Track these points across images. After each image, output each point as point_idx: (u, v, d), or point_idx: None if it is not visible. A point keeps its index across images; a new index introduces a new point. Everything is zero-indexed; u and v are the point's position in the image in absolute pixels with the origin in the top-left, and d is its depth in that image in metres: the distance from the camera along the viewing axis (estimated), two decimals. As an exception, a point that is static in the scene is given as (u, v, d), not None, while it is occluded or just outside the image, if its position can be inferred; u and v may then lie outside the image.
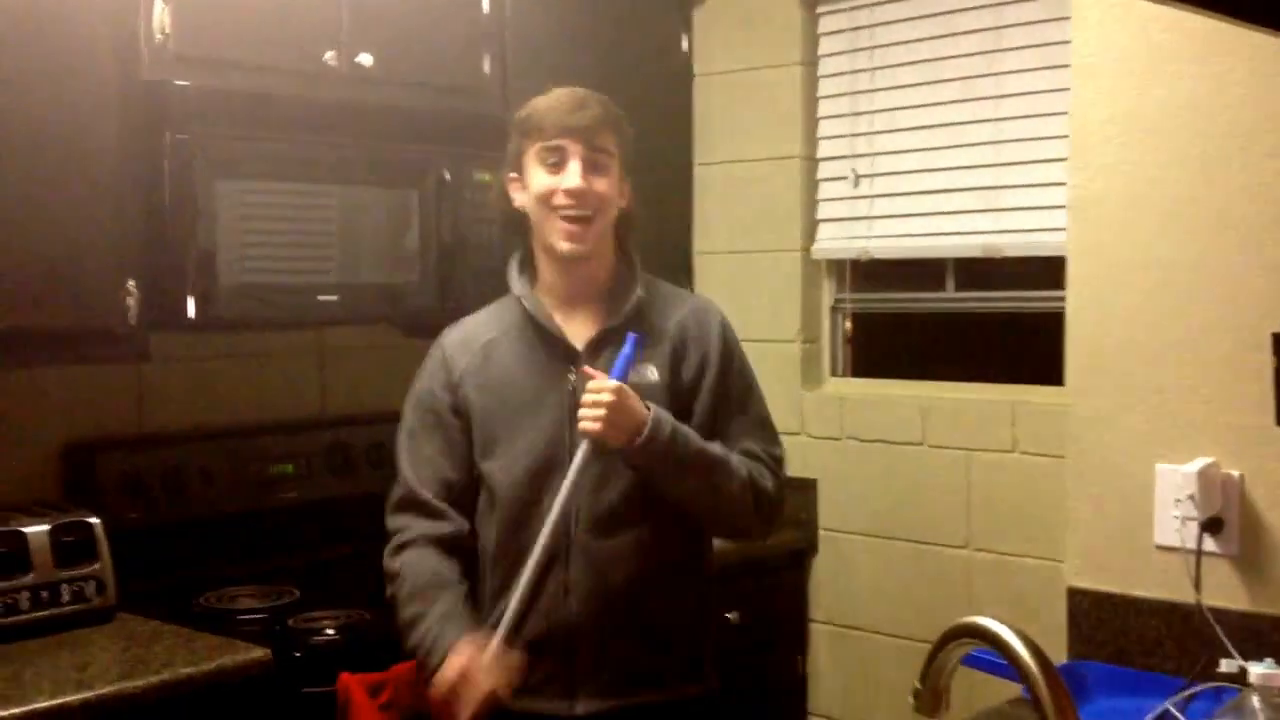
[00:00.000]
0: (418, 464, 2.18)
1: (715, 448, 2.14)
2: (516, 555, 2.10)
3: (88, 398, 2.82)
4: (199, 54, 2.58)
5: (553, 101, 2.15)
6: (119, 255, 2.48)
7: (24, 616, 2.40)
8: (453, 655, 2.02)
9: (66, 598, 2.46)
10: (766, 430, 2.28)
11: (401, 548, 2.15)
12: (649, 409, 2.06)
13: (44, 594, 2.43)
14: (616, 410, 2.02)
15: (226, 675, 2.26)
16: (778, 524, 2.33)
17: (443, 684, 2.01)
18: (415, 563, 2.13)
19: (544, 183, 2.13)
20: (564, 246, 2.13)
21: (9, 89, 2.33)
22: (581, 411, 2.04)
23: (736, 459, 2.16)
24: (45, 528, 2.48)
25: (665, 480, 2.11)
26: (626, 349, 2.08)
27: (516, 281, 2.21)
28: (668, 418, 2.08)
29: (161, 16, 2.54)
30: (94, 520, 2.55)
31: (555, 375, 2.15)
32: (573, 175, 2.11)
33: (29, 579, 2.42)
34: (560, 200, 2.11)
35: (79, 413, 2.80)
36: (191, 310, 2.51)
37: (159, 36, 2.53)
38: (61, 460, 2.77)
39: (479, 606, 2.15)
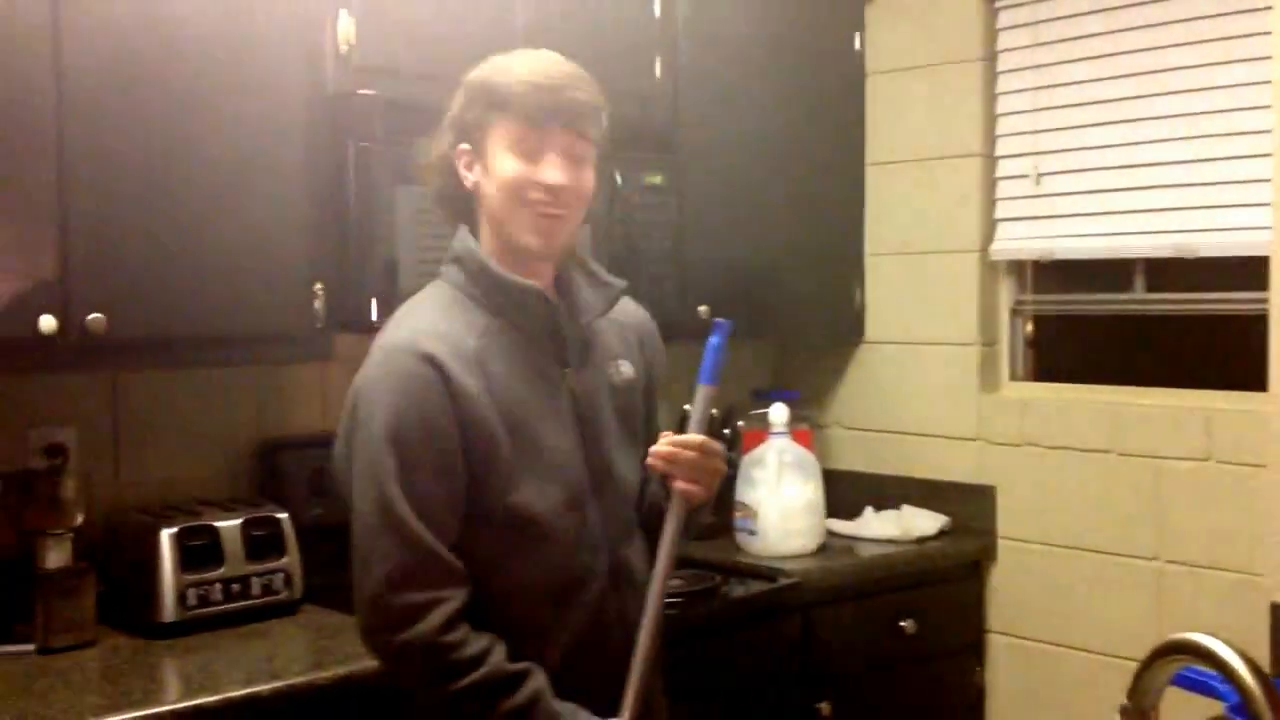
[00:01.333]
0: (426, 518, 1.77)
1: None
2: (561, 590, 1.87)
3: (277, 397, 2.92)
4: (381, 65, 2.64)
5: (533, 74, 1.82)
6: (307, 260, 2.55)
7: (216, 608, 2.48)
8: None
9: (256, 590, 2.54)
10: None
11: (450, 624, 1.76)
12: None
13: (235, 586, 2.51)
14: (712, 467, 1.92)
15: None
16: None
17: None
18: (483, 642, 1.79)
19: (515, 171, 1.82)
20: (534, 243, 1.85)
21: (205, 105, 2.42)
22: (677, 473, 1.90)
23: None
24: (237, 522, 2.56)
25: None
26: (717, 339, 1.91)
27: (496, 269, 1.87)
28: None
29: (346, 29, 2.60)
30: (282, 515, 2.63)
31: (553, 379, 1.91)
32: (553, 169, 1.82)
33: (221, 571, 2.50)
34: (535, 195, 1.82)
35: (269, 412, 2.91)
36: (374, 312, 2.56)
37: (344, 49, 2.60)
38: (253, 457, 2.87)
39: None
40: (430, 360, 1.79)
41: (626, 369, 2.00)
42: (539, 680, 1.81)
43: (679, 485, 1.90)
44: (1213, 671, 1.20)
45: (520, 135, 1.83)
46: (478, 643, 1.77)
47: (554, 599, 1.87)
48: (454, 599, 1.77)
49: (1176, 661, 1.24)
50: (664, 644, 1.99)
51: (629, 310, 2.08)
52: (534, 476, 1.84)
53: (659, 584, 1.88)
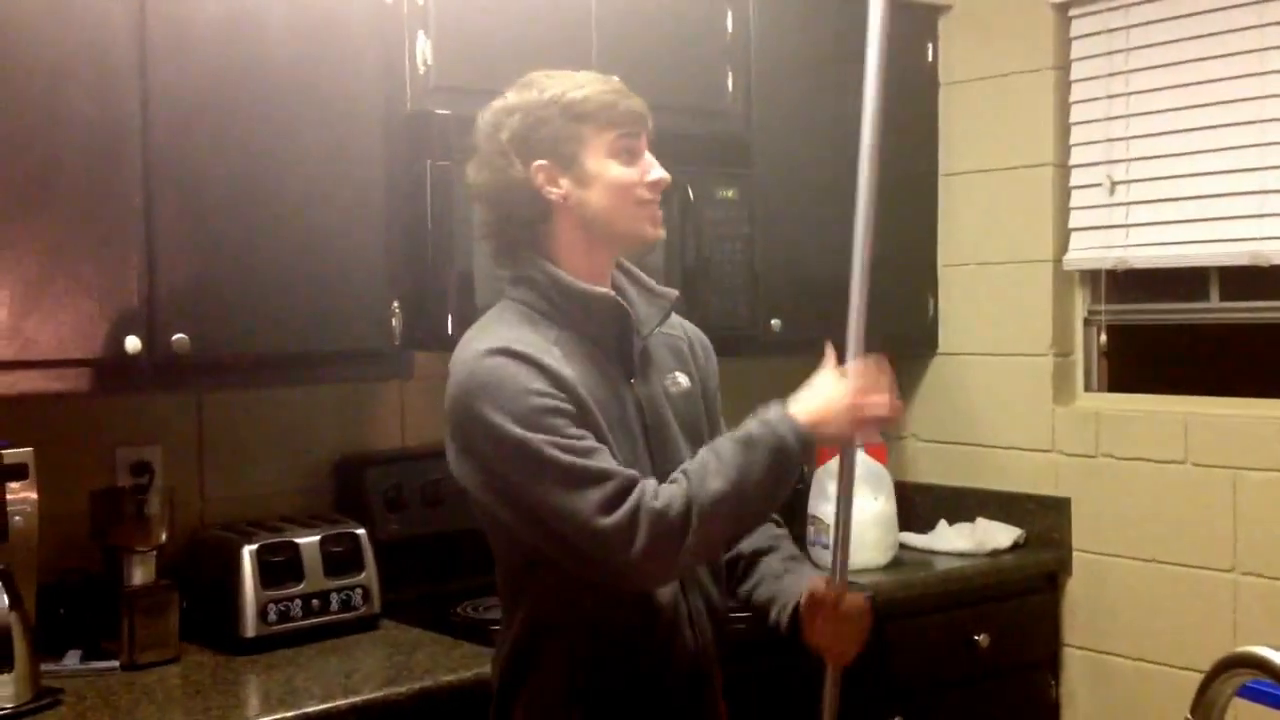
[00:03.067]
0: (591, 454, 1.80)
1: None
2: (636, 594, 1.90)
3: (356, 414, 2.97)
4: (458, 84, 2.68)
5: (607, 86, 1.95)
6: (385, 278, 2.60)
7: (296, 624, 2.53)
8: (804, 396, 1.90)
9: (335, 605, 2.59)
10: None
11: (655, 499, 1.79)
12: None
13: (314, 602, 2.56)
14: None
15: (484, 684, 2.30)
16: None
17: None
18: (674, 482, 1.82)
19: (623, 174, 1.93)
20: (655, 233, 1.98)
21: (285, 126, 2.48)
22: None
23: None
24: (316, 538, 2.61)
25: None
26: None
27: (570, 280, 1.93)
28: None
29: (424, 49, 2.66)
30: (360, 531, 2.68)
31: (621, 389, 1.94)
32: (656, 166, 1.96)
33: (301, 587, 2.55)
34: (645, 193, 1.94)
35: (349, 429, 2.96)
36: (451, 329, 2.60)
37: (422, 69, 2.65)
38: (333, 474, 2.93)
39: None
40: (511, 353, 1.83)
41: (682, 379, 2.05)
42: (714, 447, 1.86)
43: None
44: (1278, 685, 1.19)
45: (620, 142, 1.94)
46: (672, 492, 1.80)
47: (630, 602, 1.90)
48: (646, 489, 1.79)
49: (1241, 675, 1.24)
50: (720, 658, 2.03)
51: (681, 324, 2.14)
52: (620, 458, 1.87)
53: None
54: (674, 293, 2.06)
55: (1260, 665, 1.20)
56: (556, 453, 1.78)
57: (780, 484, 1.86)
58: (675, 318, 2.12)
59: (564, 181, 1.92)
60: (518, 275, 1.96)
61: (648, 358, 2.01)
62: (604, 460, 1.80)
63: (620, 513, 1.76)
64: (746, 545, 2.13)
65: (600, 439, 1.84)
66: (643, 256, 2.07)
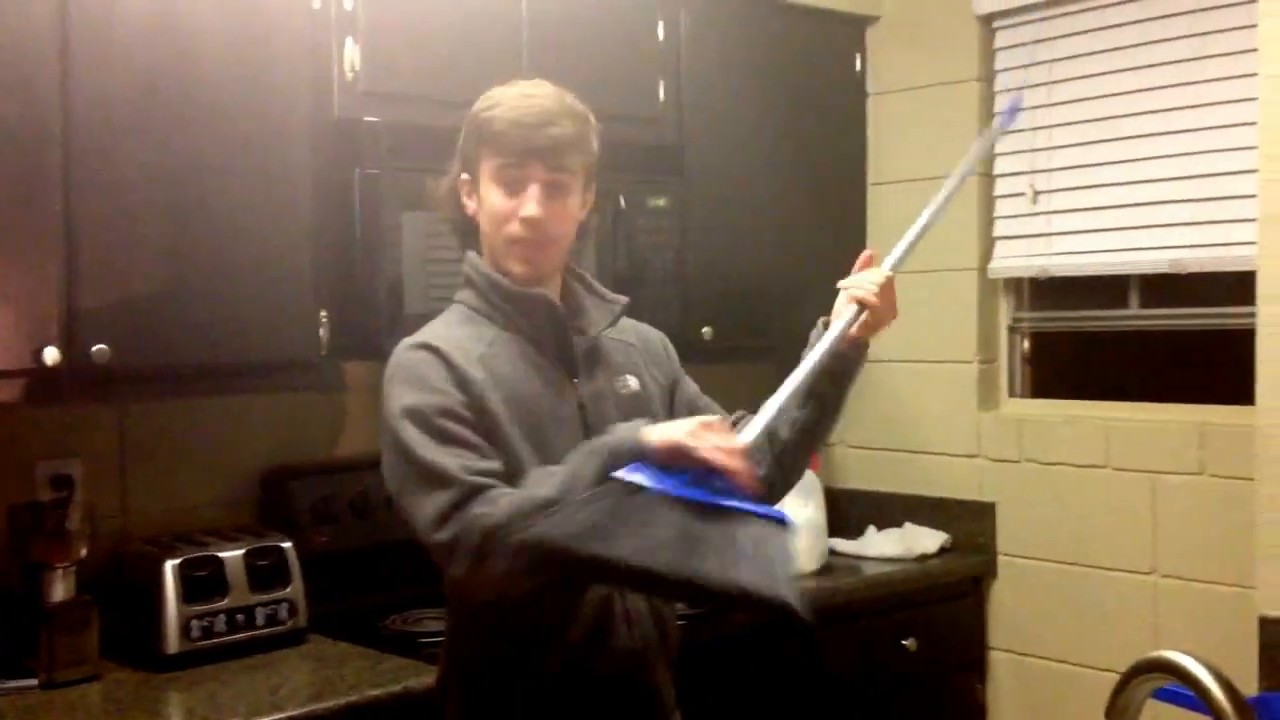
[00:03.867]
0: (462, 457, 1.80)
1: None
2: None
3: (283, 425, 2.93)
4: (387, 91, 2.67)
5: (517, 113, 1.92)
6: (313, 287, 2.57)
7: (220, 639, 2.49)
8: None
9: (260, 620, 2.55)
10: None
11: (477, 515, 1.76)
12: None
13: (239, 616, 2.52)
14: (890, 292, 1.98)
15: (413, 698, 2.31)
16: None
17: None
18: (497, 492, 1.78)
19: (499, 204, 1.93)
20: (517, 270, 1.95)
21: (211, 133, 2.44)
22: (856, 284, 1.98)
23: None
24: (240, 552, 2.57)
25: (848, 391, 2.05)
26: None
27: (504, 281, 1.96)
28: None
29: (352, 55, 2.64)
30: (287, 544, 2.65)
31: (562, 387, 1.96)
32: (531, 203, 1.91)
33: (225, 602, 2.51)
34: (514, 228, 1.92)
35: (275, 440, 2.92)
36: (380, 337, 2.58)
37: (349, 75, 2.63)
38: (260, 486, 2.89)
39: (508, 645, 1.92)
40: (433, 349, 1.89)
41: (632, 383, 2.05)
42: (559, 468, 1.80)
43: (854, 293, 1.97)
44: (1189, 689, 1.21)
45: (502, 170, 1.93)
46: (492, 501, 1.76)
47: (549, 604, 1.90)
48: (495, 488, 1.78)
49: (1154, 680, 1.26)
50: (672, 660, 2.05)
51: (635, 329, 2.15)
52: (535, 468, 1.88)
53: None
54: (623, 299, 2.10)
55: (1172, 670, 1.22)
56: (418, 449, 1.81)
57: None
58: (630, 322, 2.15)
59: (474, 199, 1.99)
60: (464, 276, 2.02)
61: (597, 359, 2.03)
62: (461, 465, 1.78)
63: (447, 530, 1.77)
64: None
65: (496, 440, 1.85)
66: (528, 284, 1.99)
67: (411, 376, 1.87)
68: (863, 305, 1.97)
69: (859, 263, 2.05)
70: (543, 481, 1.77)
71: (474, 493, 1.77)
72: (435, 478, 1.80)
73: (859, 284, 1.99)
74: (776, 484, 2.06)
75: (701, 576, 1.63)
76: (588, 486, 1.72)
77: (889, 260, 2.03)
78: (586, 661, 1.93)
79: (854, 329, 1.99)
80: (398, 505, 1.87)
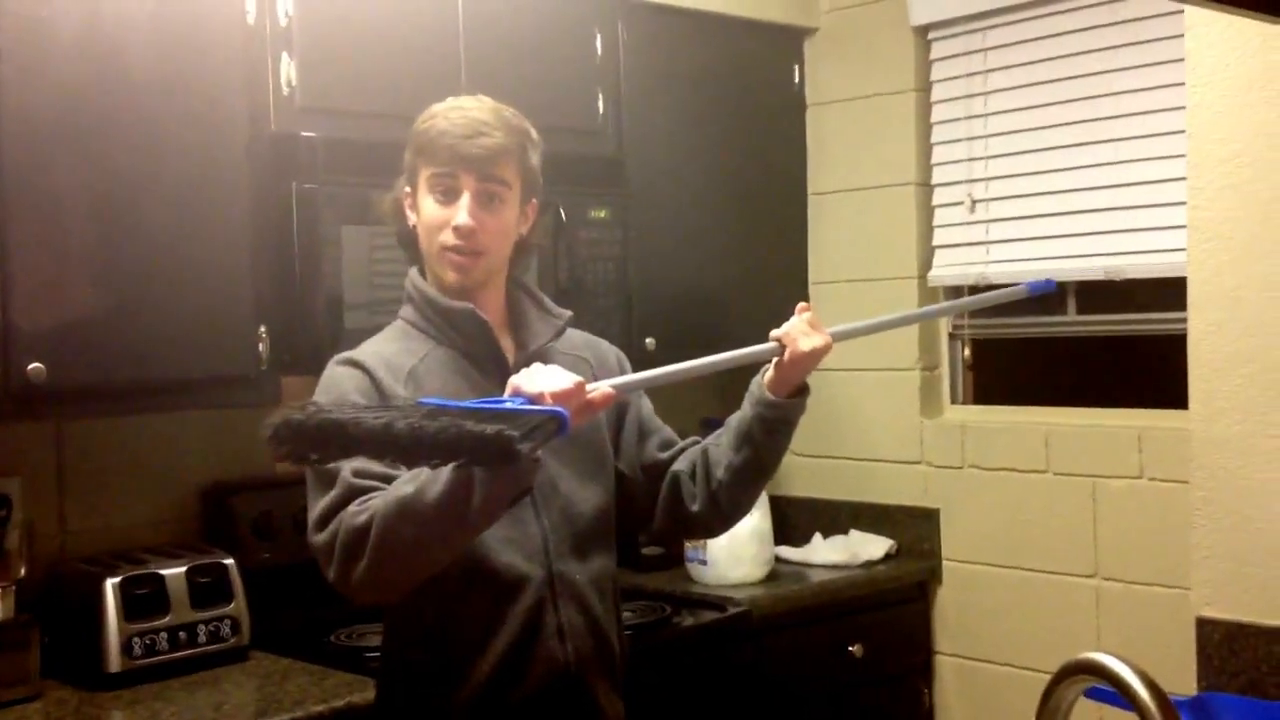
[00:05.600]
0: (356, 461, 1.76)
1: None
2: (497, 593, 1.91)
3: (223, 442, 2.91)
4: (324, 105, 2.67)
5: (449, 123, 1.95)
6: (251, 302, 2.57)
7: (162, 657, 2.48)
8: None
9: (203, 637, 2.54)
10: None
11: (360, 512, 1.76)
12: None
13: (181, 634, 2.51)
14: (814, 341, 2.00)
15: (357, 713, 2.30)
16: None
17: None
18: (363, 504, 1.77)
19: (433, 213, 1.96)
20: (450, 278, 1.98)
21: (146, 148, 2.43)
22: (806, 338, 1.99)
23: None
24: (182, 569, 2.56)
25: (784, 439, 2.07)
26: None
27: (433, 294, 2.00)
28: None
29: (288, 70, 2.63)
30: (229, 561, 2.63)
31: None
32: (462, 211, 1.94)
33: (167, 620, 2.50)
34: (446, 236, 1.95)
35: (215, 456, 2.91)
36: (321, 353, 2.57)
37: (285, 90, 2.63)
38: (200, 502, 2.87)
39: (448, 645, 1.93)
40: (358, 364, 1.94)
41: None
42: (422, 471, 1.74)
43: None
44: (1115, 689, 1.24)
45: (435, 179, 1.97)
46: (362, 506, 1.77)
47: (491, 600, 1.92)
48: (373, 497, 1.77)
49: (1082, 681, 1.28)
50: (609, 671, 2.04)
51: (588, 343, 2.16)
52: None
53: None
54: (567, 313, 2.13)
55: (1098, 671, 1.25)
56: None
57: (463, 497, 1.69)
58: (584, 336, 2.17)
59: (415, 210, 2.02)
60: (405, 293, 2.05)
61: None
62: (353, 468, 1.77)
63: (325, 533, 1.80)
64: (681, 464, 2.12)
65: None
66: (460, 295, 2.00)
67: (329, 389, 1.93)
68: (781, 343, 2.00)
69: (797, 310, 2.05)
70: (410, 479, 1.74)
71: (354, 494, 1.78)
72: (326, 478, 1.82)
73: (788, 329, 2.02)
74: (714, 520, 2.11)
75: (428, 434, 1.56)
76: (447, 487, 1.68)
77: (838, 329, 2.07)
78: (515, 672, 1.93)
79: (771, 370, 2.02)
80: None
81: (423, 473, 1.71)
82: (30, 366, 2.27)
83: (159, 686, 2.43)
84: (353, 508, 1.77)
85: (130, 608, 2.46)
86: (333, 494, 1.80)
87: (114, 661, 2.42)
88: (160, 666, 2.47)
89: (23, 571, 2.42)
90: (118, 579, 2.47)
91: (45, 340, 2.30)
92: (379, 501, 1.75)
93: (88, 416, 2.64)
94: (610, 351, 2.19)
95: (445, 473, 1.67)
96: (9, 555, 2.41)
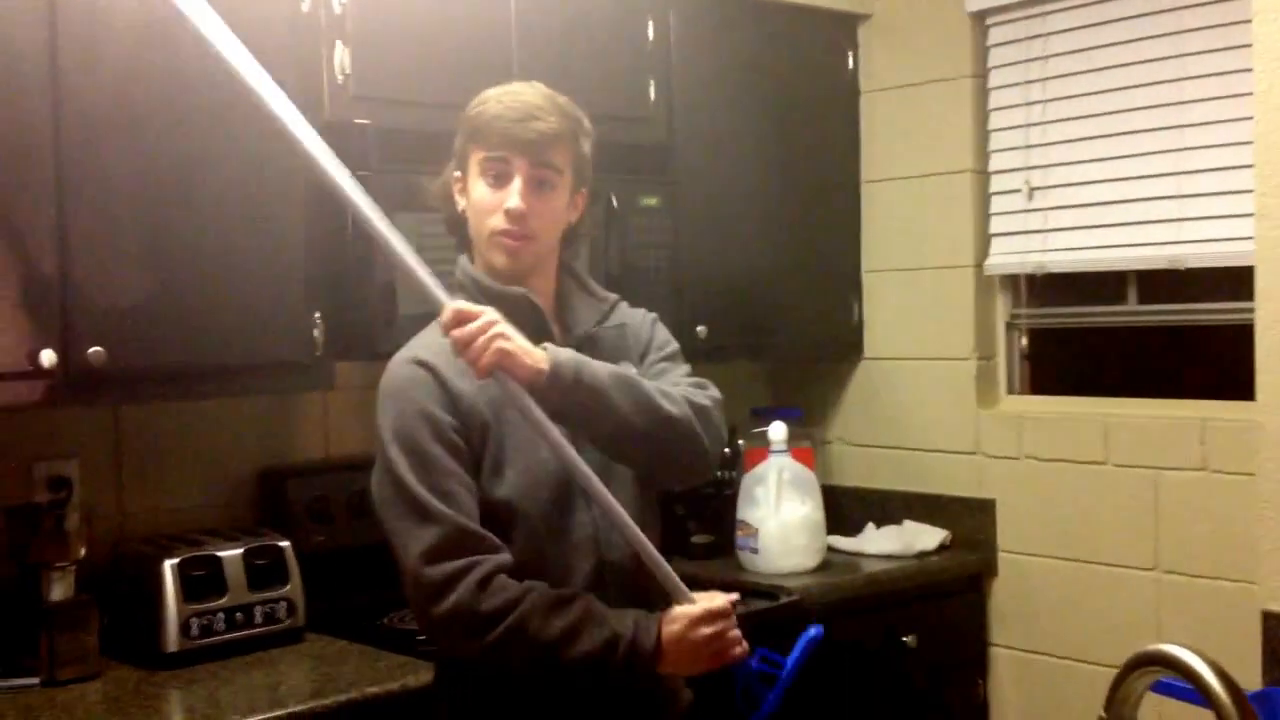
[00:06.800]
0: (447, 499, 1.86)
1: (628, 370, 1.99)
2: (546, 574, 1.92)
3: (279, 426, 2.94)
4: (377, 94, 2.67)
5: (502, 107, 1.95)
6: (305, 289, 2.58)
7: (219, 637, 2.50)
8: (699, 610, 1.90)
9: (259, 619, 2.56)
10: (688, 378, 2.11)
11: (484, 583, 1.84)
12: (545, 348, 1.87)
13: (238, 615, 2.53)
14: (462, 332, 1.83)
15: (411, 695, 2.31)
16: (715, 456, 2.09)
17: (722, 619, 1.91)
18: (522, 587, 1.86)
19: (484, 197, 1.96)
20: (500, 262, 1.97)
21: (203, 137, 2.44)
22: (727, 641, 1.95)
23: (663, 385, 2.00)
24: (239, 551, 2.58)
25: (597, 410, 1.89)
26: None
27: (486, 280, 1.99)
28: (567, 352, 1.90)
29: (342, 59, 2.64)
30: (285, 543, 2.65)
31: None
32: (514, 196, 1.94)
33: (224, 601, 2.52)
34: (497, 220, 1.95)
35: (270, 441, 2.93)
36: (374, 338, 2.58)
37: (340, 78, 2.63)
38: (256, 485, 2.89)
39: None
40: (423, 364, 1.92)
41: (630, 372, 2.04)
42: (587, 599, 1.88)
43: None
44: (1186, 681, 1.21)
45: (487, 163, 1.96)
46: (507, 592, 1.84)
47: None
48: (488, 562, 1.85)
49: (1151, 673, 1.26)
50: None
51: (628, 314, 2.15)
52: (519, 474, 1.92)
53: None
54: (613, 296, 2.13)
55: (1168, 663, 1.22)
56: (413, 479, 1.86)
57: (593, 672, 1.86)
58: (627, 312, 2.15)
59: (465, 195, 2.02)
60: (456, 280, 2.03)
61: (591, 352, 2.01)
62: (456, 509, 1.86)
63: (442, 568, 1.84)
64: None
65: (499, 453, 1.91)
66: (511, 280, 2.00)
67: (401, 395, 1.92)
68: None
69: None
70: (557, 616, 1.84)
71: (464, 538, 1.85)
72: (419, 509, 1.86)
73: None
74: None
75: None
76: (585, 656, 1.83)
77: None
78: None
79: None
80: (380, 521, 1.91)
81: (571, 616, 1.84)
82: (90, 350, 2.29)
83: (216, 666, 2.45)
84: (478, 590, 1.83)
85: (188, 589, 2.48)
86: (440, 531, 1.85)
87: (172, 641, 2.45)
88: (217, 647, 2.49)
89: (83, 552, 2.44)
90: (176, 560, 2.49)
91: (104, 325, 2.32)
92: (521, 614, 1.83)
93: (146, 400, 2.66)
94: (642, 314, 2.17)
95: (587, 645, 1.83)
96: (69, 536, 2.44)
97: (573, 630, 1.84)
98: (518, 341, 1.83)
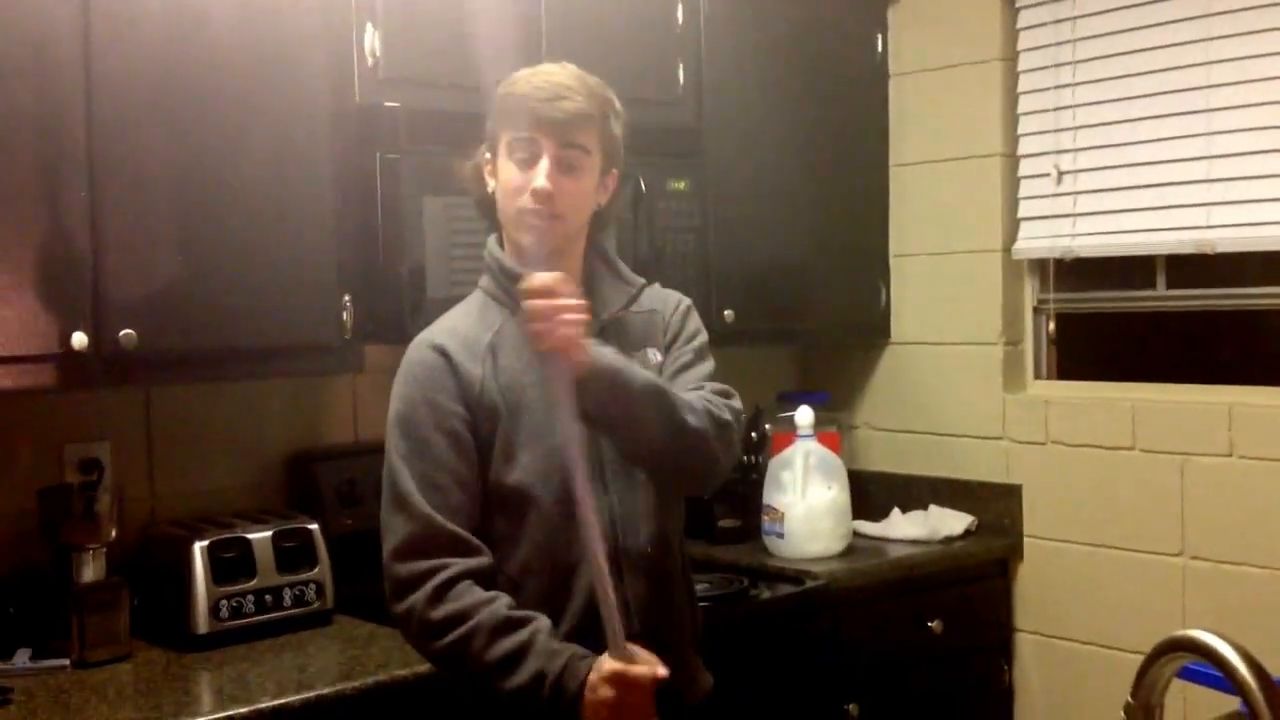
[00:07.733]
0: (431, 493, 1.90)
1: (658, 379, 1.98)
2: (560, 574, 1.95)
3: (309, 410, 2.96)
4: (407, 76, 2.67)
5: (531, 87, 1.95)
6: (335, 271, 2.59)
7: (248, 619, 2.52)
8: (608, 670, 1.81)
9: (288, 601, 2.57)
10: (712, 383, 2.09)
11: (443, 589, 1.87)
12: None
13: (267, 598, 2.55)
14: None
15: (438, 678, 2.29)
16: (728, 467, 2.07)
17: (646, 680, 1.81)
18: (477, 600, 1.87)
19: (511, 177, 1.96)
20: (526, 242, 1.96)
21: (233, 119, 2.45)
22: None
23: (685, 393, 1.99)
24: (268, 534, 2.60)
25: (622, 418, 1.90)
26: None
27: (509, 263, 2.01)
28: (610, 354, 1.90)
29: (372, 41, 2.64)
30: (313, 526, 2.67)
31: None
32: (540, 176, 1.93)
33: (253, 583, 2.54)
34: (524, 200, 1.95)
35: (301, 424, 2.95)
36: (404, 320, 2.59)
37: (370, 60, 2.64)
38: (285, 469, 2.91)
39: None
40: (438, 349, 1.97)
41: (654, 357, 2.06)
42: (536, 626, 1.88)
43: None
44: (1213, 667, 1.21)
45: (515, 144, 1.97)
46: (460, 603, 1.88)
47: (554, 582, 1.96)
48: (453, 567, 1.89)
49: (1179, 658, 1.26)
50: (693, 618, 2.11)
51: (653, 299, 2.14)
52: (534, 459, 1.95)
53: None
54: (640, 280, 2.13)
55: (1195, 648, 1.22)
56: (405, 467, 1.92)
57: (523, 705, 1.87)
58: (658, 294, 2.15)
59: (495, 175, 2.02)
60: (484, 262, 2.06)
61: (617, 336, 2.04)
62: (440, 504, 1.90)
63: (408, 567, 1.90)
64: None
65: (511, 438, 1.94)
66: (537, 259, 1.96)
67: (411, 379, 1.98)
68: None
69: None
70: (502, 638, 1.86)
71: (432, 533, 1.89)
72: (401, 501, 1.92)
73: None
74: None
75: None
76: (517, 688, 1.85)
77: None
78: (584, 647, 1.91)
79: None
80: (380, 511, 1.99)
81: (520, 637, 1.86)
82: (122, 333, 2.31)
83: (245, 648, 2.47)
84: (453, 598, 1.87)
85: (218, 571, 2.50)
86: (412, 529, 1.90)
87: (202, 623, 2.46)
88: (246, 629, 2.51)
89: (114, 534, 2.46)
90: (206, 542, 2.51)
91: (136, 307, 2.33)
92: (478, 624, 1.86)
93: (176, 382, 2.68)
94: (675, 299, 2.16)
95: (524, 675, 1.84)
96: (100, 518, 2.45)
97: (509, 658, 1.86)
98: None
